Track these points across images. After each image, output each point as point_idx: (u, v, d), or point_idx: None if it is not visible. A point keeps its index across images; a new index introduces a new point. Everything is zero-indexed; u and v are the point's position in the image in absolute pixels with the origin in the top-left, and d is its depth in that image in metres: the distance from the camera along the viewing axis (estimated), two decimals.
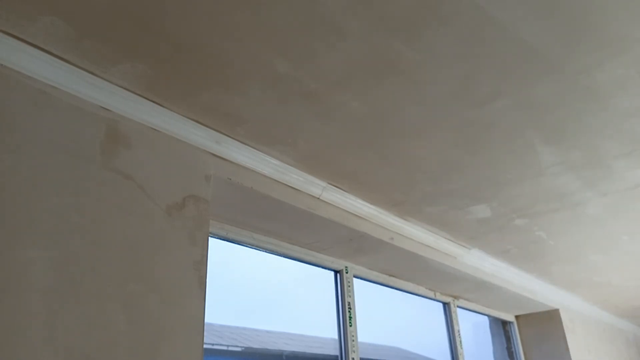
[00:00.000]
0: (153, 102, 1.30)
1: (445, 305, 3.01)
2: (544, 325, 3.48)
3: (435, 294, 2.90)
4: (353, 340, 2.14)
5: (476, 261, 2.66)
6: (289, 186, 1.70)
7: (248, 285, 2.00)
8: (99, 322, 1.06)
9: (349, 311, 2.19)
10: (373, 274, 2.48)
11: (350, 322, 2.17)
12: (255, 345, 1.98)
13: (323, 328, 2.20)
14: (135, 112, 1.28)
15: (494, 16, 1.08)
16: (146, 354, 1.11)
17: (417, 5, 1.04)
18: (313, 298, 2.29)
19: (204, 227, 1.37)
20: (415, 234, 2.24)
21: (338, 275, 2.28)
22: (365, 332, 2.23)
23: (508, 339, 3.57)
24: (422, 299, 2.85)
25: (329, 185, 1.81)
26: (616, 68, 1.27)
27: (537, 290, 3.17)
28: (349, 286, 2.26)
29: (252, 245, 1.92)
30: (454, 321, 2.97)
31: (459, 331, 2.94)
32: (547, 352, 3.42)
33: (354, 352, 2.12)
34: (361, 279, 2.41)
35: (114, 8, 1.01)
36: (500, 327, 3.60)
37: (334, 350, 2.16)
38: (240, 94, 1.30)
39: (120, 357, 1.07)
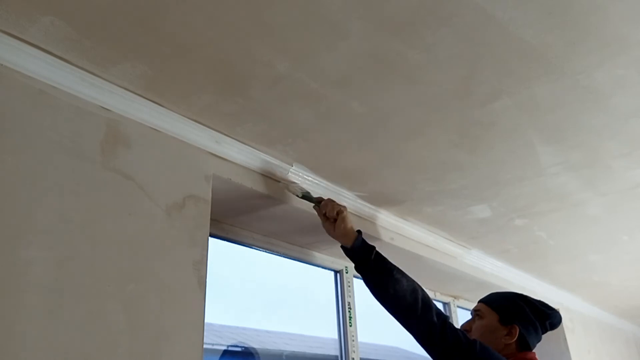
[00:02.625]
0: (153, 102, 1.30)
1: (445, 305, 3.01)
2: None
3: (435, 294, 2.90)
4: (353, 340, 2.14)
5: (476, 261, 2.66)
6: None
7: (248, 285, 2.00)
8: (99, 322, 1.06)
9: (349, 311, 2.19)
10: None
11: (350, 322, 2.17)
12: (256, 346, 1.98)
13: (323, 328, 2.20)
14: (135, 112, 1.28)
15: (494, 16, 1.08)
16: (146, 354, 1.11)
17: (417, 5, 1.04)
18: (313, 298, 2.29)
19: (204, 227, 1.36)
20: (415, 234, 2.24)
21: (338, 275, 2.28)
22: (365, 332, 2.23)
23: None
24: None
25: (329, 185, 1.81)
26: (616, 68, 1.27)
27: (537, 290, 3.18)
28: (349, 286, 2.26)
29: (252, 245, 1.92)
30: (454, 321, 2.97)
31: None
32: (547, 352, 3.41)
33: (354, 352, 2.12)
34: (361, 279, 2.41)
35: (114, 8, 1.01)
36: None
37: (334, 350, 2.16)
38: (240, 94, 1.30)
39: (120, 357, 1.07)
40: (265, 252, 1.99)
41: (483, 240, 2.48)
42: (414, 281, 1.48)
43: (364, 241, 1.57)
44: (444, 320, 1.38)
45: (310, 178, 1.73)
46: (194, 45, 1.12)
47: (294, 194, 1.67)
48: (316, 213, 1.68)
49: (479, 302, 1.53)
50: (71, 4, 0.99)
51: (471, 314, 1.53)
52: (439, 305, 2.99)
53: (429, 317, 1.37)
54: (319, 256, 2.18)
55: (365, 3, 1.03)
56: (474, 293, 2.99)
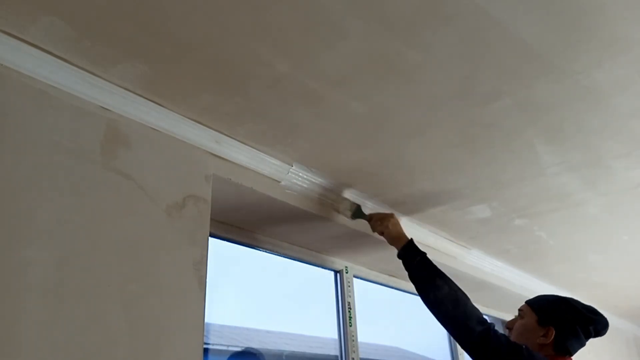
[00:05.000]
0: (153, 102, 1.30)
1: None
2: None
3: None
4: (353, 340, 2.14)
5: (476, 261, 2.66)
6: None
7: (248, 285, 2.00)
8: (99, 323, 1.06)
9: (349, 311, 2.19)
10: (373, 274, 2.48)
11: (350, 322, 2.17)
12: (255, 345, 1.98)
13: (323, 328, 2.20)
14: (135, 112, 1.28)
15: (495, 16, 1.08)
16: (146, 354, 1.11)
17: (417, 5, 1.04)
18: (313, 298, 2.29)
19: (204, 227, 1.36)
20: (415, 234, 2.24)
21: (338, 275, 2.28)
22: (365, 332, 2.23)
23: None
24: None
25: (329, 186, 1.81)
26: (616, 68, 1.27)
27: (537, 290, 3.17)
28: (349, 286, 2.26)
29: (252, 245, 1.92)
30: None
31: None
32: None
33: (354, 352, 2.12)
34: (361, 279, 2.41)
35: (114, 8, 1.01)
36: (501, 327, 3.60)
37: (334, 350, 2.16)
38: (240, 94, 1.30)
39: (120, 357, 1.07)
40: (265, 251, 1.99)
41: (483, 240, 2.48)
42: (457, 289, 1.53)
43: (412, 247, 1.67)
44: (486, 327, 1.41)
45: (310, 178, 1.73)
46: (194, 45, 1.12)
47: (343, 214, 1.83)
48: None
49: (525, 301, 1.57)
50: (71, 4, 0.99)
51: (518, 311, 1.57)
52: None
53: (469, 325, 1.42)
54: (319, 256, 2.18)
55: (365, 3, 1.03)
56: (474, 293, 2.98)
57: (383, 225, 1.75)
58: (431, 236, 2.32)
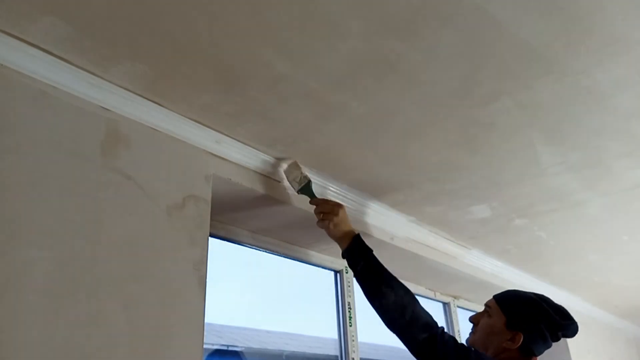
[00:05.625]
0: (153, 102, 1.30)
1: (445, 305, 3.01)
2: None
3: (435, 294, 2.90)
4: (353, 340, 2.14)
5: (476, 261, 2.66)
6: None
7: (248, 285, 2.00)
8: (98, 322, 1.06)
9: (349, 311, 2.19)
10: None
11: (350, 322, 2.17)
12: (255, 345, 1.98)
13: (323, 328, 2.20)
14: (136, 112, 1.28)
15: (495, 16, 1.08)
16: (146, 354, 1.11)
17: (417, 5, 1.04)
18: (313, 298, 2.29)
19: (204, 227, 1.37)
20: (415, 234, 2.24)
21: (338, 275, 2.28)
22: (365, 332, 2.23)
23: None
24: (422, 298, 2.84)
25: (329, 185, 1.81)
26: (616, 68, 1.27)
27: (537, 290, 3.17)
28: (349, 286, 2.26)
29: (252, 245, 1.92)
30: (454, 321, 2.97)
31: (459, 331, 2.94)
32: (547, 352, 3.41)
33: (354, 352, 2.12)
34: None
35: (114, 8, 1.01)
36: None
37: (334, 350, 2.16)
38: (240, 94, 1.30)
39: (120, 357, 1.07)
40: (266, 252, 1.99)
41: (483, 240, 2.49)
42: (404, 295, 1.46)
43: (356, 247, 1.55)
44: (432, 334, 1.38)
45: (309, 178, 1.73)
46: (194, 45, 1.12)
47: (290, 185, 1.64)
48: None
49: (494, 297, 1.48)
50: (71, 4, 0.99)
51: (484, 306, 1.50)
52: (439, 305, 2.99)
53: (413, 332, 1.40)
54: (319, 256, 2.19)
55: (365, 3, 1.03)
56: (474, 293, 2.99)
57: (324, 223, 1.58)
58: (431, 236, 2.32)
